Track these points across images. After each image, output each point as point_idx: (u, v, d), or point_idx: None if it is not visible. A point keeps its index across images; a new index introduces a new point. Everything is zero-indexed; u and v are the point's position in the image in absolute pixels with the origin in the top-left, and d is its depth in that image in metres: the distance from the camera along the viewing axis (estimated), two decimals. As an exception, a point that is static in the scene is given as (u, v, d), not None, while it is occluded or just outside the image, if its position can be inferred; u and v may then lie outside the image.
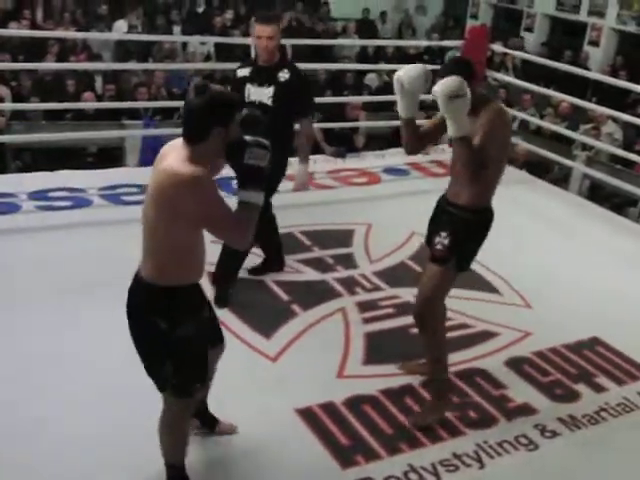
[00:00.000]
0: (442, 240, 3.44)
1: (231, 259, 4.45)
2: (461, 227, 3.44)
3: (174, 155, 2.60)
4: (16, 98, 7.77)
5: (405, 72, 3.39)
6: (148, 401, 2.95)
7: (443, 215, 3.53)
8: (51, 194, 5.65)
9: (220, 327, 3.09)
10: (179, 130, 2.68)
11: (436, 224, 3.56)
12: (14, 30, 9.11)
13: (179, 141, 2.67)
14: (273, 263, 4.83)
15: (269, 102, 4.31)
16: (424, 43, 12.08)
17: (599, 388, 3.98)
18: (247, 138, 2.65)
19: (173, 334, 2.68)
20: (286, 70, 4.35)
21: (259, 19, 4.34)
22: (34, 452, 3.14)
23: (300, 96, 4.40)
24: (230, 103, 2.65)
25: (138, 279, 2.76)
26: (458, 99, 3.15)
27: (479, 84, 3.48)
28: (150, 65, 9.10)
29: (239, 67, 4.53)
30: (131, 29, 10.86)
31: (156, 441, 2.92)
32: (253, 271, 4.75)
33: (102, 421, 3.32)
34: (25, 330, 3.94)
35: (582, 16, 12.67)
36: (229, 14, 11.82)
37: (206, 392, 3.21)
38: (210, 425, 3.33)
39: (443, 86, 3.16)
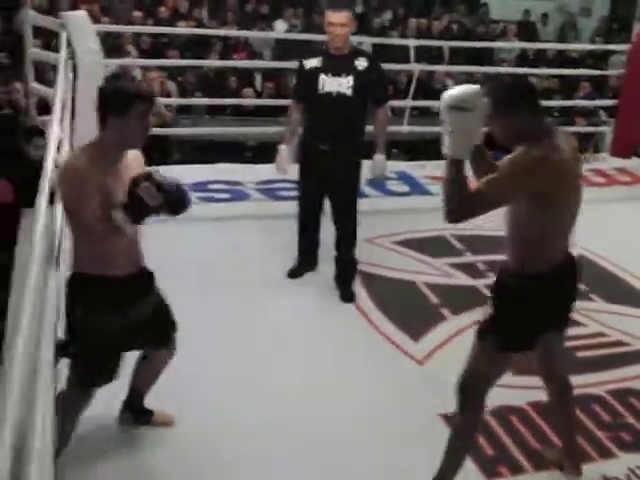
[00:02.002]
0: (486, 310, 2.91)
1: (350, 262, 4.52)
2: (503, 296, 2.88)
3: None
4: (181, 93, 8.11)
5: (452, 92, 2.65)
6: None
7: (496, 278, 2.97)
8: (211, 186, 5.87)
9: (160, 331, 3.02)
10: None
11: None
12: (180, 29, 9.49)
13: None
14: (307, 264, 4.71)
15: (349, 92, 4.17)
16: (588, 47, 11.64)
17: None
18: (157, 173, 2.62)
19: (86, 322, 2.73)
20: (363, 58, 4.24)
21: (332, 6, 4.22)
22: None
23: (377, 84, 4.31)
24: (125, 95, 2.66)
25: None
26: (461, 112, 2.55)
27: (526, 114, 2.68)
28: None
29: (305, 58, 4.33)
30: (291, 28, 11.10)
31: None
32: (290, 273, 4.67)
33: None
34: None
35: None
36: (387, 15, 11.85)
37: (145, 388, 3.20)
38: (145, 419, 3.25)
39: (452, 94, 2.59)
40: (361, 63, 4.22)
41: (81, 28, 5.22)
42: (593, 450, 3.41)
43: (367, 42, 10.14)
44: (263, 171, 6.25)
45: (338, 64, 4.21)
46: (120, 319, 2.78)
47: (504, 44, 11.45)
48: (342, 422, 3.43)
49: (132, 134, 2.67)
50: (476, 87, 2.63)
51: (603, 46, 10.48)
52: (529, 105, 2.71)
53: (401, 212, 5.59)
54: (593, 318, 4.46)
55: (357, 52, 4.35)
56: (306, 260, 4.71)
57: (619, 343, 4.26)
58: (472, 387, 2.93)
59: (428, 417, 3.51)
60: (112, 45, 8.54)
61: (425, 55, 9.78)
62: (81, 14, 5.40)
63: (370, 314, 4.33)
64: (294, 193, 5.70)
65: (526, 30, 13.10)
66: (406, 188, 6.09)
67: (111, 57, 7.51)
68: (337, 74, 4.20)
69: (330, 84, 4.20)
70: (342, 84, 4.18)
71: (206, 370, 3.62)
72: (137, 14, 9.95)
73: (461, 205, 2.66)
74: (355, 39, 9.29)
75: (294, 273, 4.69)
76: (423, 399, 3.64)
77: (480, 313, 4.31)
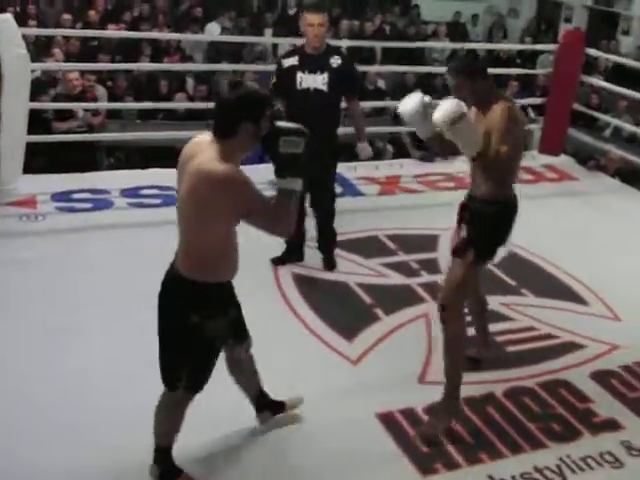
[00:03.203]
0: (462, 233, 3.53)
1: (332, 235, 4.87)
2: (478, 219, 3.49)
3: (206, 154, 2.65)
4: (112, 98, 7.98)
5: (402, 108, 3.45)
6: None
7: (464, 211, 3.60)
8: (142, 192, 5.81)
9: (244, 324, 3.13)
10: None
11: (461, 219, 3.62)
12: (109, 32, 9.33)
13: (205, 138, 2.73)
14: (294, 253, 4.89)
15: (325, 88, 4.49)
16: (516, 47, 11.88)
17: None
18: (279, 125, 2.72)
19: (202, 330, 2.77)
20: (337, 56, 4.56)
21: (310, 8, 4.56)
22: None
23: (349, 79, 4.62)
24: (261, 100, 2.72)
25: (174, 273, 2.83)
26: (459, 122, 3.18)
27: (485, 81, 3.44)
28: (240, 66, 9.21)
29: (283, 57, 4.68)
30: (224, 31, 11.04)
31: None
32: (276, 260, 4.84)
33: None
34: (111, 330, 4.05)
35: (684, 19, 12.25)
36: (321, 17, 11.86)
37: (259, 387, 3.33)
38: (275, 410, 3.41)
39: (441, 115, 3.20)
40: (335, 61, 4.54)
41: (6, 32, 5.12)
42: (525, 442, 3.48)
43: (300, 43, 10.19)
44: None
45: (314, 62, 4.52)
46: (226, 321, 2.88)
47: (435, 44, 11.58)
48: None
49: (259, 138, 2.72)
50: (454, 100, 3.26)
51: (531, 46, 10.68)
52: (484, 71, 3.46)
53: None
54: (523, 312, 4.56)
55: (332, 50, 4.63)
56: (293, 250, 4.87)
57: (549, 336, 4.35)
58: (454, 298, 3.49)
59: (364, 417, 3.53)
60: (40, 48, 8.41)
61: (357, 56, 9.85)
62: (7, 17, 5.29)
63: (304, 316, 4.33)
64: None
65: (456, 31, 13.28)
66: (339, 189, 6.09)
67: (41, 60, 7.43)
68: (312, 71, 4.49)
69: (307, 81, 4.51)
70: (318, 80, 4.50)
71: (120, 369, 3.64)
72: (66, 17, 9.78)
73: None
74: (289, 41, 9.40)
75: (279, 260, 4.85)
76: (359, 399, 3.66)
77: (412, 311, 4.46)
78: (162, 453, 3.00)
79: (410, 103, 3.41)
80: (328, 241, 4.92)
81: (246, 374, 3.26)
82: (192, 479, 3.04)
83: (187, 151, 2.76)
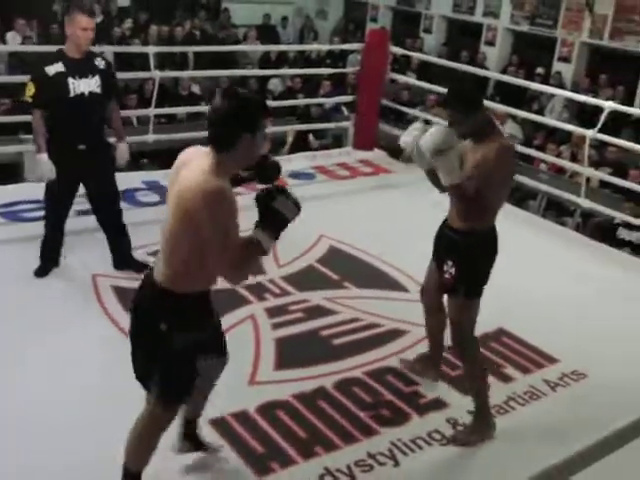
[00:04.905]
0: (449, 269, 3.45)
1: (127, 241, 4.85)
2: (463, 254, 3.42)
3: (196, 163, 2.55)
4: None
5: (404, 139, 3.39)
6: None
7: (444, 239, 3.55)
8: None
9: (224, 340, 3.06)
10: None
11: (440, 250, 3.58)
12: None
13: (201, 148, 2.63)
14: (51, 262, 4.78)
15: (99, 90, 4.41)
16: (325, 47, 12.16)
17: (506, 378, 4.08)
18: (285, 188, 2.69)
19: (170, 340, 2.67)
20: (99, 58, 4.51)
21: (85, 12, 4.31)
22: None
23: (114, 81, 4.66)
24: (258, 107, 2.60)
25: (152, 282, 2.72)
26: (444, 153, 3.12)
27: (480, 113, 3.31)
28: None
29: (45, 65, 4.33)
30: (26, 40, 10.53)
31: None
32: (38, 272, 4.68)
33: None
34: None
35: (477, 17, 12.97)
36: (128, 23, 11.62)
37: (199, 412, 3.19)
38: (197, 447, 3.26)
39: (428, 142, 3.15)
40: (100, 63, 4.48)
41: None
42: (357, 431, 3.56)
43: (108, 51, 9.91)
44: (5, 193, 5.90)
45: (82, 66, 4.38)
46: (200, 332, 2.78)
47: (247, 47, 11.62)
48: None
49: (258, 150, 2.60)
50: (445, 127, 3.19)
51: (339, 46, 10.95)
52: (480, 103, 3.33)
53: (154, 222, 5.48)
54: (347, 305, 4.66)
55: (92, 53, 4.52)
56: (51, 257, 4.73)
57: (373, 325, 4.47)
58: (465, 334, 3.51)
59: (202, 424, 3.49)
60: None
61: (169, 62, 9.73)
62: None
63: (125, 325, 4.19)
64: (40, 213, 5.44)
65: (267, 33, 13.41)
66: (157, 197, 5.99)
67: None
68: (84, 75, 4.36)
69: (80, 86, 4.35)
70: (91, 84, 4.38)
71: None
72: None
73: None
74: (96, 49, 9.12)
75: (42, 271, 4.68)
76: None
77: (239, 313, 4.44)
78: (128, 477, 2.87)
79: (438, 133, 3.19)
80: (126, 246, 4.85)
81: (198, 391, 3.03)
82: None
83: (182, 157, 2.66)
